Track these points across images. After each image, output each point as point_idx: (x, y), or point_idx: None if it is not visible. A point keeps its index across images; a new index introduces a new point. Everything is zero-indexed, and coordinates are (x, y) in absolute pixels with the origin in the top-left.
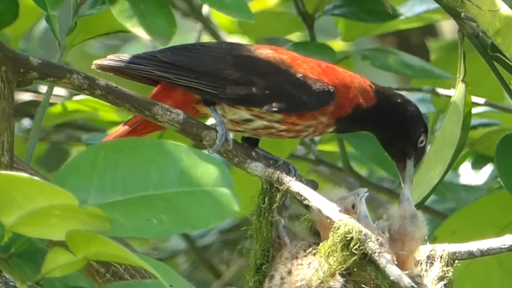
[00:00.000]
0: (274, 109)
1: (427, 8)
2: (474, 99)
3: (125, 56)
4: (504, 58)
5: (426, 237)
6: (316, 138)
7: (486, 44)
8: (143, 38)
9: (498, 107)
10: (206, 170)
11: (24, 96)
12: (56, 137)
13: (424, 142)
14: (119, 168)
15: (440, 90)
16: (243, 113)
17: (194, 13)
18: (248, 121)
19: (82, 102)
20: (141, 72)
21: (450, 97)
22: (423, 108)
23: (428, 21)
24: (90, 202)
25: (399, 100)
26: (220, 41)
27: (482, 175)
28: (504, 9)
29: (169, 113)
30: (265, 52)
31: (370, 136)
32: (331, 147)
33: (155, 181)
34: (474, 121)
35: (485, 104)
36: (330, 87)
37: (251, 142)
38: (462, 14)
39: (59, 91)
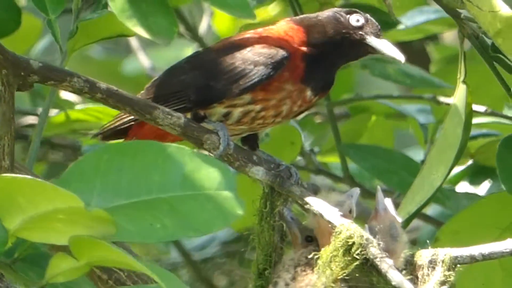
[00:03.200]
0: (236, 91)
1: (427, 18)
2: (475, 107)
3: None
4: (505, 58)
5: (407, 243)
6: (316, 149)
7: (486, 45)
8: (140, 54)
9: (499, 115)
10: (210, 174)
11: (25, 120)
12: (54, 157)
13: (361, 20)
14: (122, 172)
15: (441, 98)
16: (220, 110)
17: (190, 32)
18: (227, 115)
19: (84, 111)
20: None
21: (450, 105)
22: (423, 119)
23: (427, 33)
24: (93, 206)
25: (316, 19)
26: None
27: (480, 190)
28: (504, 10)
29: (169, 116)
30: (216, 44)
31: (369, 148)
32: (332, 159)
33: (158, 184)
34: (474, 132)
35: (486, 113)
36: (280, 49)
37: (250, 144)
38: (462, 15)
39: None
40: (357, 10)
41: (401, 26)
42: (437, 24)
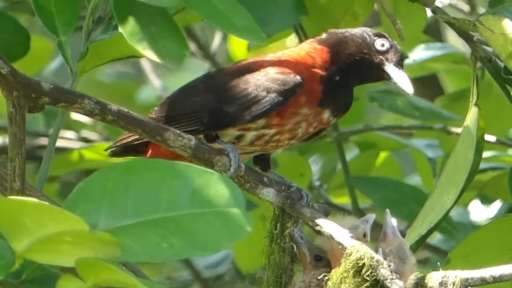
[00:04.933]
0: (247, 117)
1: (433, 55)
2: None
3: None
4: None
5: (415, 265)
6: (325, 186)
7: (499, 68)
8: (154, 82)
9: (509, 145)
10: (218, 191)
11: (36, 141)
12: (66, 177)
13: (386, 45)
14: (130, 190)
15: (452, 129)
16: (233, 132)
17: (202, 51)
18: (240, 137)
19: (94, 149)
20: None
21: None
22: (430, 153)
23: (431, 71)
24: (100, 226)
25: (342, 35)
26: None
27: (491, 211)
28: None
29: (180, 138)
30: (232, 65)
31: (378, 180)
32: (341, 199)
33: (166, 202)
34: (482, 165)
35: (497, 142)
36: (293, 76)
37: (262, 164)
38: (475, 38)
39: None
40: (386, 35)
41: (409, 61)
42: (444, 61)
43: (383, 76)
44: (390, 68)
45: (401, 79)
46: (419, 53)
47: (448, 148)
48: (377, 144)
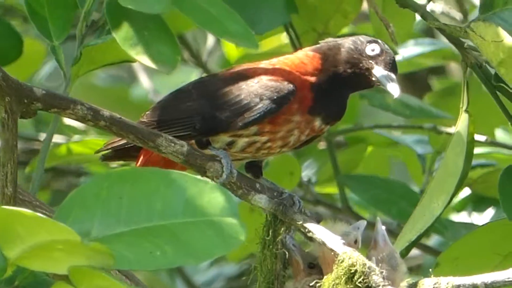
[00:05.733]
0: (240, 124)
1: (423, 51)
2: (475, 137)
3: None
4: (508, 88)
5: (406, 273)
6: (313, 177)
7: (489, 74)
8: (144, 82)
9: (499, 145)
10: (212, 200)
11: (27, 146)
12: (57, 184)
13: (376, 50)
14: (123, 199)
15: (442, 128)
16: (224, 138)
17: (194, 58)
18: (231, 143)
19: (84, 144)
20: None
21: (450, 135)
22: (420, 149)
23: (420, 66)
24: (94, 234)
25: (335, 42)
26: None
27: (484, 218)
28: (507, 40)
29: (173, 144)
30: (226, 71)
31: (367, 178)
32: (330, 189)
33: (160, 211)
34: (473, 162)
35: (486, 142)
36: (287, 83)
37: (254, 171)
38: (466, 44)
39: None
40: (379, 40)
41: (398, 57)
42: (433, 57)
43: (374, 81)
44: (378, 71)
45: (387, 82)
46: (409, 49)
47: (437, 145)
48: (366, 139)
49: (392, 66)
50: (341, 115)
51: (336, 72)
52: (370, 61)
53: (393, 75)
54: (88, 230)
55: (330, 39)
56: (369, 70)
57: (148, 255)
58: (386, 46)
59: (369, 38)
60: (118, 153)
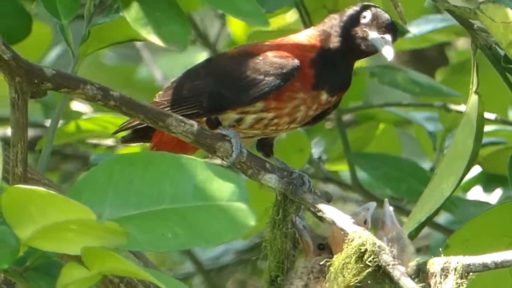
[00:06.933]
0: (246, 100)
1: (434, 27)
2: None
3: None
4: None
5: (414, 253)
6: (322, 154)
7: (499, 56)
8: (151, 62)
9: (508, 123)
10: (222, 185)
11: (34, 132)
12: (66, 167)
13: (368, 16)
14: (134, 182)
15: (451, 106)
16: (232, 115)
17: (201, 39)
18: (240, 120)
19: (93, 121)
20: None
21: (460, 113)
22: (431, 127)
23: (434, 42)
24: (105, 216)
25: (333, 17)
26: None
27: (493, 198)
28: None
29: (183, 124)
30: (232, 50)
31: (377, 156)
32: (340, 167)
33: (170, 195)
34: (483, 139)
35: (496, 120)
36: (291, 59)
37: (265, 150)
38: (475, 26)
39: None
40: (371, 5)
41: (408, 35)
42: (444, 33)
43: (372, 47)
44: (372, 36)
45: (381, 46)
46: (420, 26)
47: (447, 123)
48: (376, 116)
49: (386, 28)
50: (347, 85)
51: (334, 47)
52: (365, 28)
53: (388, 37)
54: (99, 212)
55: (332, 15)
56: (364, 38)
57: (160, 236)
58: (379, 9)
59: (362, 5)
60: (137, 135)
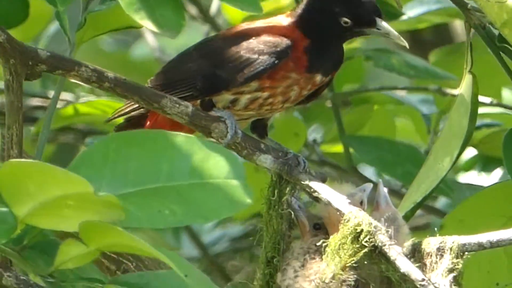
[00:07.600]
0: (240, 80)
1: (428, 9)
2: (480, 98)
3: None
4: (511, 49)
5: (408, 234)
6: (319, 139)
7: (493, 35)
8: (149, 39)
9: (503, 106)
10: (218, 162)
11: (32, 102)
12: (64, 138)
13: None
14: (130, 160)
15: (447, 90)
16: (227, 96)
17: (202, 14)
18: (234, 101)
19: (90, 105)
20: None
21: (455, 96)
22: (425, 109)
23: (429, 23)
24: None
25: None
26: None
27: (492, 179)
28: (511, 1)
29: (177, 105)
30: (225, 31)
31: (373, 140)
32: (336, 149)
33: (166, 173)
34: (477, 122)
35: (491, 104)
36: (284, 39)
37: (259, 131)
38: (469, 5)
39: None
40: None
41: (403, 17)
42: (439, 15)
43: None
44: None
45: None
46: (414, 9)
47: (442, 105)
48: (371, 99)
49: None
50: (340, 65)
51: (320, 29)
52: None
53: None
54: (97, 190)
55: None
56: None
57: (157, 213)
58: None
59: None
60: (131, 123)
